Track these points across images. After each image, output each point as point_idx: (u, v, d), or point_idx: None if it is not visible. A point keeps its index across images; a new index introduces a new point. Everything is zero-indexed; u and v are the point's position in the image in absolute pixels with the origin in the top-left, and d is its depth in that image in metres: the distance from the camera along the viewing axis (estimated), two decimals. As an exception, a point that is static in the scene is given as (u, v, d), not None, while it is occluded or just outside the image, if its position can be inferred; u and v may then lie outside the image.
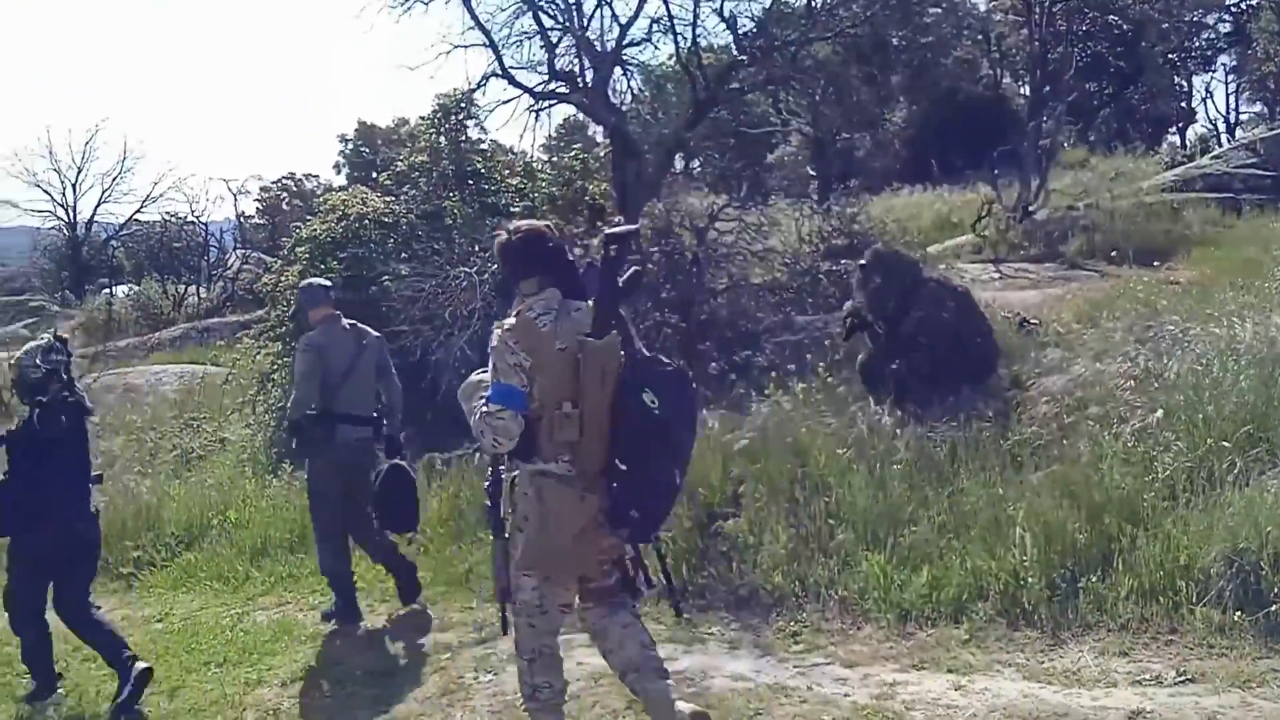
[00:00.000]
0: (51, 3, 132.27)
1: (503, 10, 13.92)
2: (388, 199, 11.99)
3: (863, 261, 9.07)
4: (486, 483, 4.25)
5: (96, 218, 45.94)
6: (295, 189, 47.35)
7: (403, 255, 11.09)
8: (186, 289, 29.30)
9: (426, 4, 13.57)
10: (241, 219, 41.32)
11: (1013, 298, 12.48)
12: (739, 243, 11.63)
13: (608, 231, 3.99)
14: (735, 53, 15.70)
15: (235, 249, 35.00)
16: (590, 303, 3.97)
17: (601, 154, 16.61)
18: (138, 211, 44.65)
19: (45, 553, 5.91)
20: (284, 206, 44.42)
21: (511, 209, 12.37)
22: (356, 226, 11.48)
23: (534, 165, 14.65)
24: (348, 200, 11.88)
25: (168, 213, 40.23)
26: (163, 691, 6.08)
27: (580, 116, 18.68)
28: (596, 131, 26.55)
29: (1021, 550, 5.92)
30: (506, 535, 4.16)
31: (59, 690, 6.16)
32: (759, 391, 8.66)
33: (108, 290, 32.30)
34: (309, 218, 12.62)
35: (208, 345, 19.81)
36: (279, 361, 11.56)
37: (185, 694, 6.04)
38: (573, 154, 14.68)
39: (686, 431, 4.00)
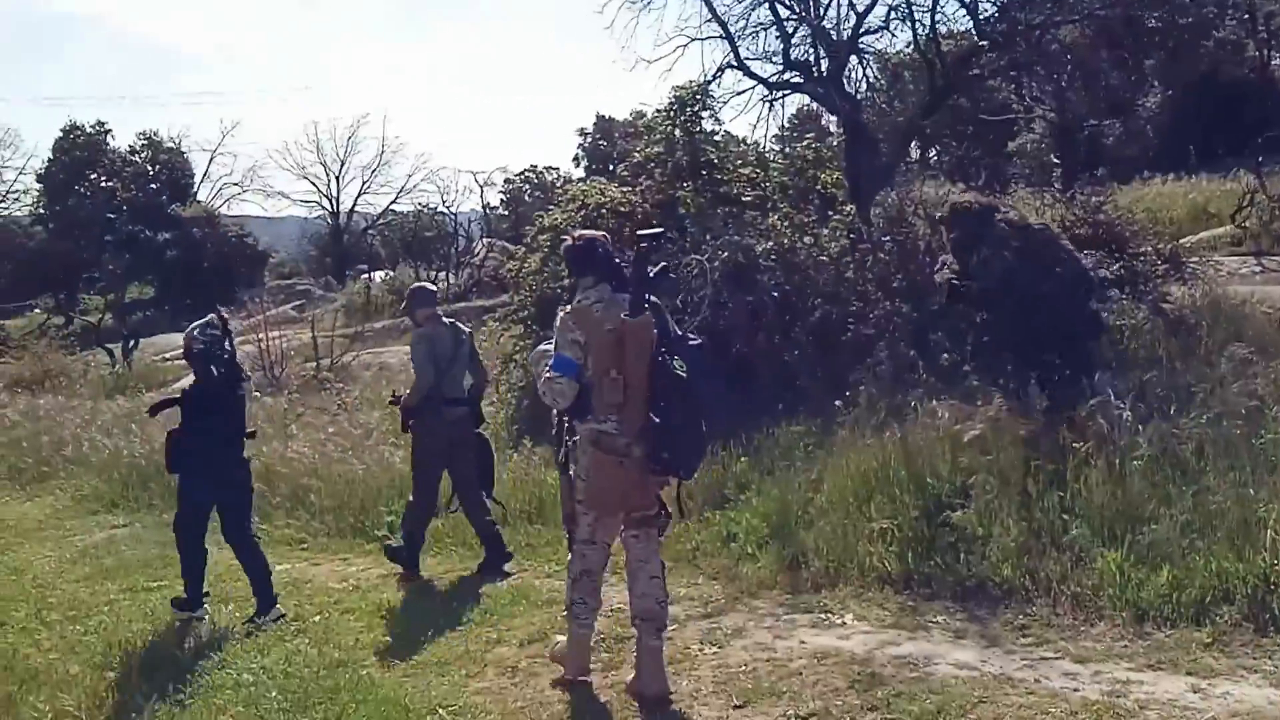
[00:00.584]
0: (321, 7, 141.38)
1: (739, 3, 13.93)
2: (624, 189, 12.30)
3: (939, 214, 8.62)
4: (552, 430, 5.48)
5: (357, 208, 49.09)
6: (536, 181, 49.04)
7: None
8: (437, 274, 30.87)
9: (665, -1, 13.71)
10: (487, 209, 43.26)
11: (1275, 292, 11.65)
12: (975, 232, 11.31)
13: (639, 232, 5.10)
14: (976, 38, 15.23)
15: (481, 237, 36.59)
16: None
17: (835, 143, 16.46)
18: (393, 202, 47.56)
19: (205, 493, 7.12)
20: (526, 198, 46.11)
21: (743, 198, 12.45)
22: (595, 215, 11.84)
23: (766, 154, 14.68)
24: (587, 191, 12.27)
25: (420, 203, 42.57)
26: (411, 644, 6.53)
27: (813, 106, 18.56)
28: (830, 120, 26.29)
29: (1273, 554, 5.60)
30: (571, 474, 5.27)
31: (204, 607, 7.29)
32: (993, 383, 8.45)
33: (366, 275, 34.38)
34: (550, 207, 13.09)
35: (455, 329, 20.81)
36: (521, 344, 12.04)
37: (431, 648, 6.45)
38: (805, 143, 14.62)
39: (705, 390, 4.98)
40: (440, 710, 5.46)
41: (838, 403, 9.09)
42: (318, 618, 7.22)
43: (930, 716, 4.79)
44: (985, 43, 14.89)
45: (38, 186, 46.16)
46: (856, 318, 10.22)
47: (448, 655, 6.30)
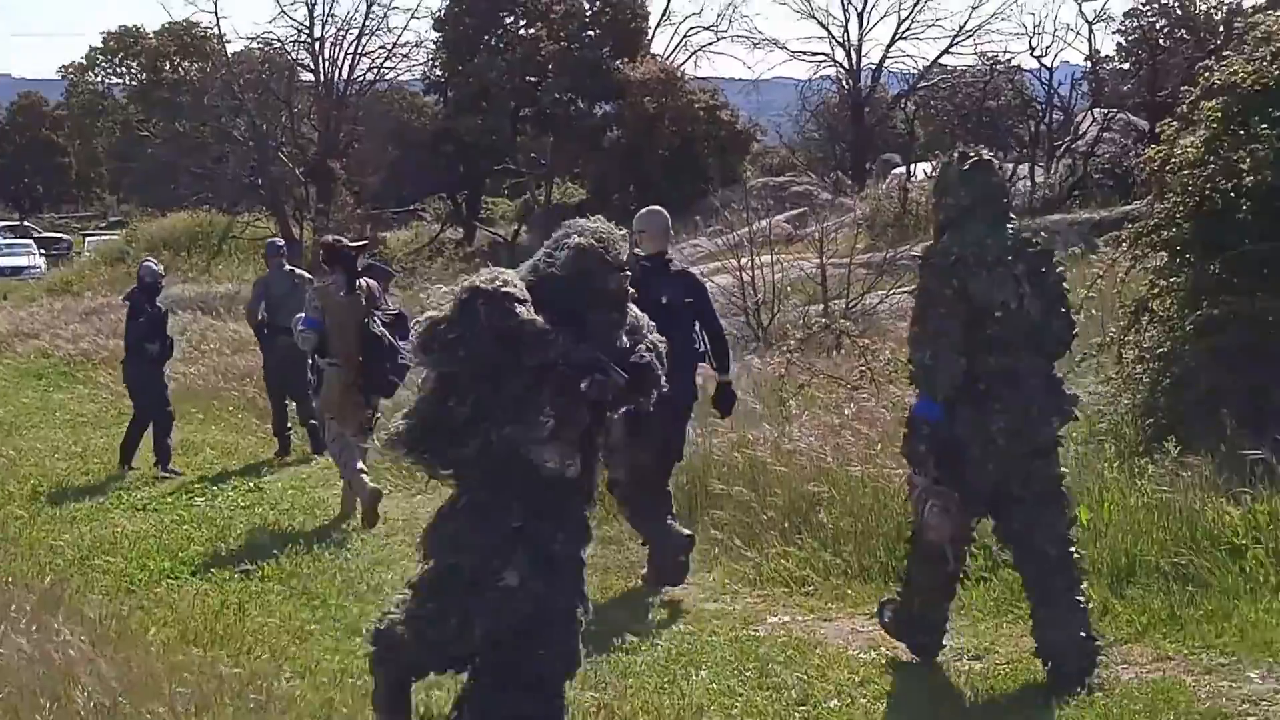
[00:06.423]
0: None
1: None
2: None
3: None
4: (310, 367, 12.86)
5: (887, 63, 49.57)
6: (1181, 12, 46.84)
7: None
8: (1015, 169, 30.64)
9: None
10: (1096, 61, 42.13)
11: None
12: None
13: (350, 245, 12.46)
14: None
15: (1089, 108, 35.83)
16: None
17: None
18: (945, 52, 47.57)
19: None
20: (1161, 40, 44.39)
21: None
22: (1301, 67, 11.17)
23: None
24: (1292, 24, 11.57)
25: (988, 54, 42.31)
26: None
27: None
28: None
29: None
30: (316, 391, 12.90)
31: None
32: None
33: (900, 170, 34.75)
34: (1226, 54, 12.51)
35: (1045, 255, 20.55)
36: (1164, 283, 11.66)
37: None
38: None
39: (397, 344, 11.69)
40: None
41: None
42: (834, 702, 7.43)
43: None
44: None
45: (434, 37, 50.37)
46: None
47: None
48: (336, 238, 13.19)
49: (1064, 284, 7.72)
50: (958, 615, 8.77)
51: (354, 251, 12.15)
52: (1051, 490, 7.57)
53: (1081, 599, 7.52)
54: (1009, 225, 7.64)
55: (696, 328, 9.93)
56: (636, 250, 8.70)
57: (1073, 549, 7.65)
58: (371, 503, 11.85)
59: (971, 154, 7.74)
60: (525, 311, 6.03)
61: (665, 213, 10.46)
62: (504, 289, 6.08)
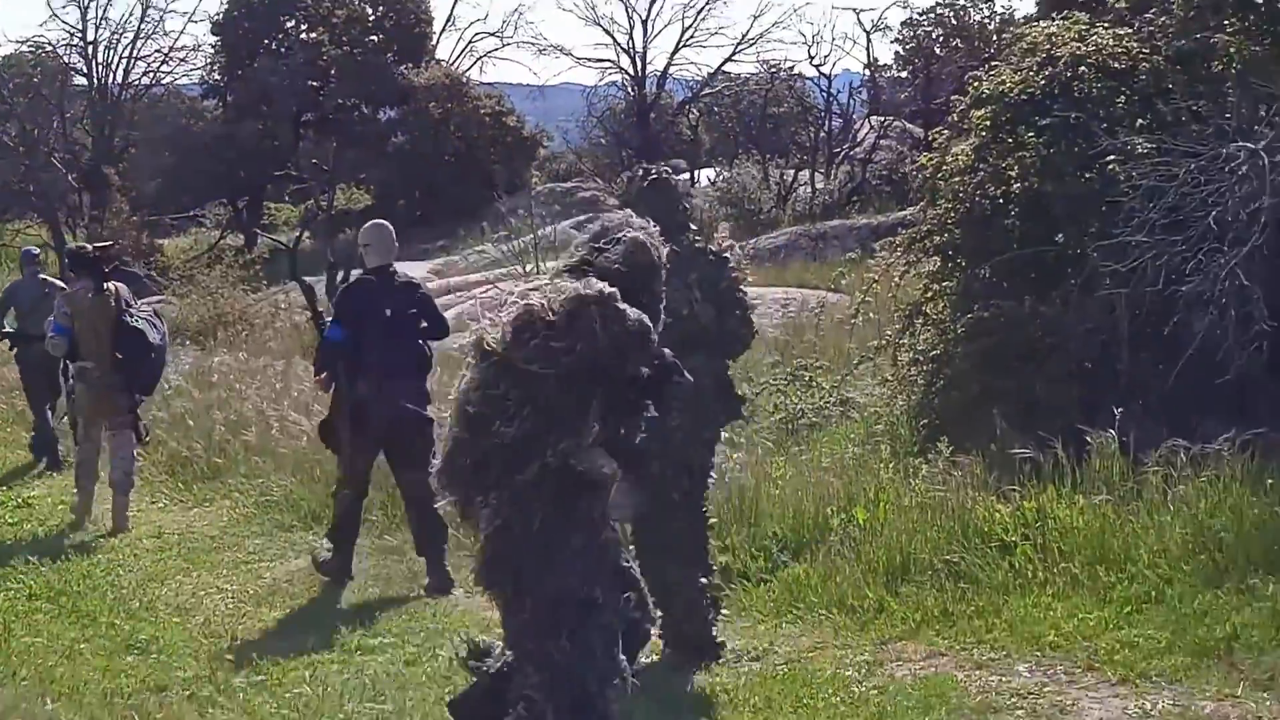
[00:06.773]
0: None
1: None
2: (1122, 32, 11.83)
3: None
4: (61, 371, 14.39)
5: (672, 70, 49.93)
6: (955, 22, 47.85)
7: (1140, 121, 10.94)
8: (796, 175, 31.00)
9: None
10: (875, 70, 42.87)
11: None
12: None
13: (93, 246, 13.52)
14: None
15: (867, 115, 36.44)
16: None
17: None
18: (728, 60, 48.00)
19: None
20: (937, 49, 45.28)
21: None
22: (1068, 76, 11.46)
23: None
24: (1057, 36, 11.86)
25: (770, 62, 42.80)
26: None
27: None
28: None
29: None
30: (72, 396, 13.83)
31: None
32: None
33: (686, 177, 34.99)
34: (995, 64, 12.80)
35: (825, 260, 20.83)
36: (937, 286, 11.89)
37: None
38: None
39: (157, 338, 12.43)
40: None
41: None
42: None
43: None
44: None
45: (212, 41, 49.52)
46: None
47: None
48: (81, 245, 14.89)
49: (739, 289, 8.13)
50: (738, 616, 8.88)
51: (98, 254, 12.64)
52: (702, 480, 8.09)
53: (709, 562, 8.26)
54: (684, 237, 7.88)
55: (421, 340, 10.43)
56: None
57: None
58: (84, 509, 12.42)
59: (652, 172, 8.30)
60: (633, 314, 5.51)
61: (390, 226, 10.77)
62: (612, 293, 5.50)
